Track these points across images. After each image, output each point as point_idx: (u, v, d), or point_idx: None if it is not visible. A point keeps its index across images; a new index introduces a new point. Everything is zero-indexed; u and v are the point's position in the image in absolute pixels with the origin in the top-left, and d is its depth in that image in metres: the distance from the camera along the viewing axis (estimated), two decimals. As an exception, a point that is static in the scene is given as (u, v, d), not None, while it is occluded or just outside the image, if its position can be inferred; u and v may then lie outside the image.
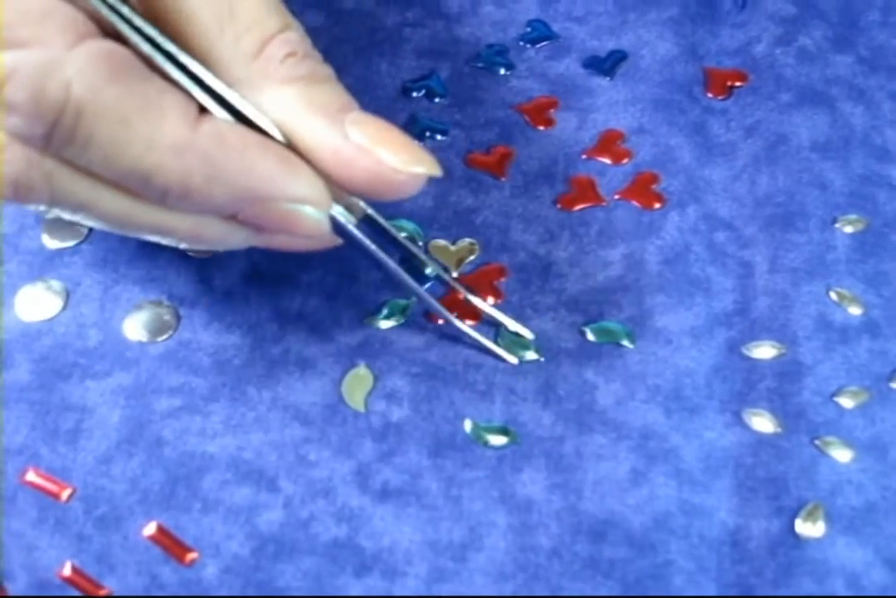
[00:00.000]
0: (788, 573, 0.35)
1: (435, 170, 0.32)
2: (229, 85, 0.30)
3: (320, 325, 0.40)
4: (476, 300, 0.40)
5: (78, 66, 0.28)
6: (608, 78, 0.46)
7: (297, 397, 0.39)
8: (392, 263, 0.36)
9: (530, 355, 0.39)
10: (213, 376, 0.39)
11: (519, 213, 0.42)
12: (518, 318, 0.40)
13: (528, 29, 0.47)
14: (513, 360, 0.39)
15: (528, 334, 0.39)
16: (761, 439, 0.37)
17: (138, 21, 0.30)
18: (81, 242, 0.42)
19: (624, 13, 0.48)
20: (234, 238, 0.33)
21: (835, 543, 0.35)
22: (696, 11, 0.48)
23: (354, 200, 0.34)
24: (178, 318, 0.40)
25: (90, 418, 0.38)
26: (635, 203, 0.43)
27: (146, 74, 0.29)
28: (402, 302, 0.40)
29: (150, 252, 0.41)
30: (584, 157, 0.44)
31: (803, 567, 0.35)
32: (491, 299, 0.40)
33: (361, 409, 0.38)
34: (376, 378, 0.39)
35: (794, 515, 0.36)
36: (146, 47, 0.30)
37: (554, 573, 0.35)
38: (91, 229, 0.42)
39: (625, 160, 0.44)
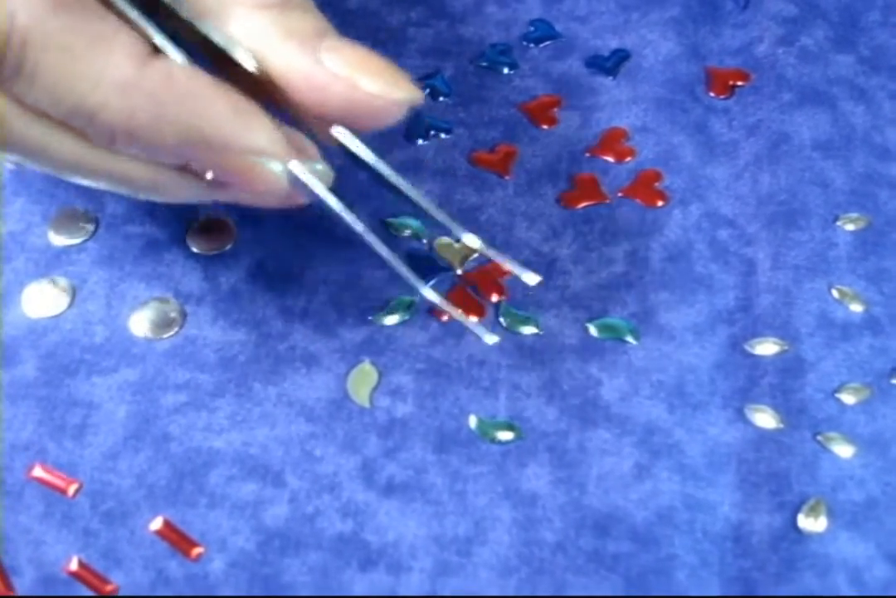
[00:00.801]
0: (791, 568, 0.35)
1: (415, 95, 0.31)
2: (200, 13, 0.29)
3: (325, 321, 0.40)
4: (474, 241, 0.34)
5: None
6: (611, 77, 0.46)
7: (302, 392, 0.39)
8: (361, 227, 0.33)
9: (529, 330, 0.40)
10: (218, 373, 0.39)
11: (523, 210, 0.43)
12: (522, 314, 0.40)
13: (532, 28, 0.48)
14: (488, 339, 0.35)
15: (531, 280, 0.35)
16: (764, 435, 0.38)
17: None
18: (88, 240, 0.42)
19: (626, 13, 0.48)
20: (188, 191, 0.32)
21: (837, 538, 0.36)
22: (699, 11, 0.48)
23: (322, 166, 0.32)
24: (184, 314, 0.40)
25: (97, 413, 0.38)
26: (638, 201, 0.43)
27: (99, 11, 0.28)
28: (407, 299, 0.40)
29: (156, 249, 0.42)
30: (587, 155, 0.44)
31: (805, 562, 0.35)
32: (495, 297, 0.41)
33: (366, 405, 0.38)
34: (381, 374, 0.39)
35: (797, 510, 0.36)
36: None
37: (558, 568, 0.36)
38: (97, 227, 0.42)
39: (628, 158, 0.44)
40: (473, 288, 0.41)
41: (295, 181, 0.31)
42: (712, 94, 0.46)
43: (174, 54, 0.29)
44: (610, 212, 0.43)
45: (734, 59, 0.47)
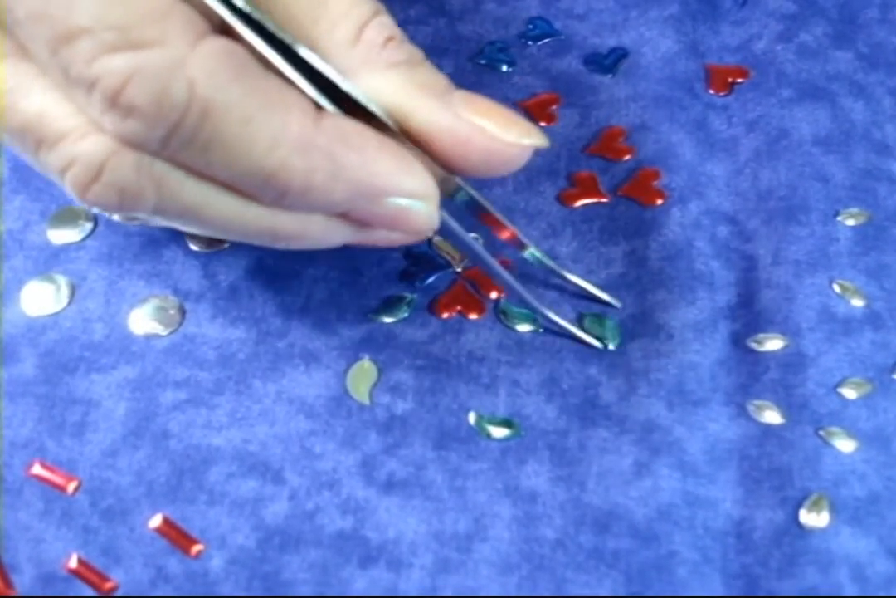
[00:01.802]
0: (793, 564, 0.35)
1: (543, 141, 0.32)
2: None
3: (325, 319, 0.40)
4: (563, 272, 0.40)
5: (201, 65, 0.27)
6: (610, 75, 0.46)
7: (302, 390, 0.39)
8: (482, 250, 0.36)
9: (528, 327, 0.40)
10: (218, 370, 0.39)
11: (521, 208, 0.43)
12: (521, 313, 0.40)
13: (530, 26, 0.48)
14: (597, 343, 0.40)
15: (616, 303, 0.40)
16: (765, 431, 0.38)
17: (257, 15, 0.29)
18: (86, 238, 0.42)
19: (625, 11, 0.48)
20: (336, 236, 0.33)
21: (839, 533, 0.36)
22: (697, 9, 0.48)
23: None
24: (183, 312, 0.40)
25: (96, 411, 0.38)
26: (637, 200, 0.43)
27: (264, 72, 0.28)
28: (407, 296, 0.40)
29: (155, 247, 0.42)
30: (585, 153, 0.44)
31: (808, 557, 0.35)
32: (494, 294, 0.40)
33: (366, 402, 0.38)
34: (381, 371, 0.39)
35: (799, 505, 0.36)
36: (261, 43, 0.29)
37: (558, 564, 0.36)
38: (96, 224, 0.42)
39: (626, 157, 0.44)
40: (473, 285, 0.41)
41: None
42: (711, 92, 0.46)
43: (333, 110, 0.30)
44: (609, 211, 0.43)
45: (733, 56, 0.47)
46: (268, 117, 0.28)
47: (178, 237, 0.42)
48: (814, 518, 0.36)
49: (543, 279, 0.41)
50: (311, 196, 0.29)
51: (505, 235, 0.38)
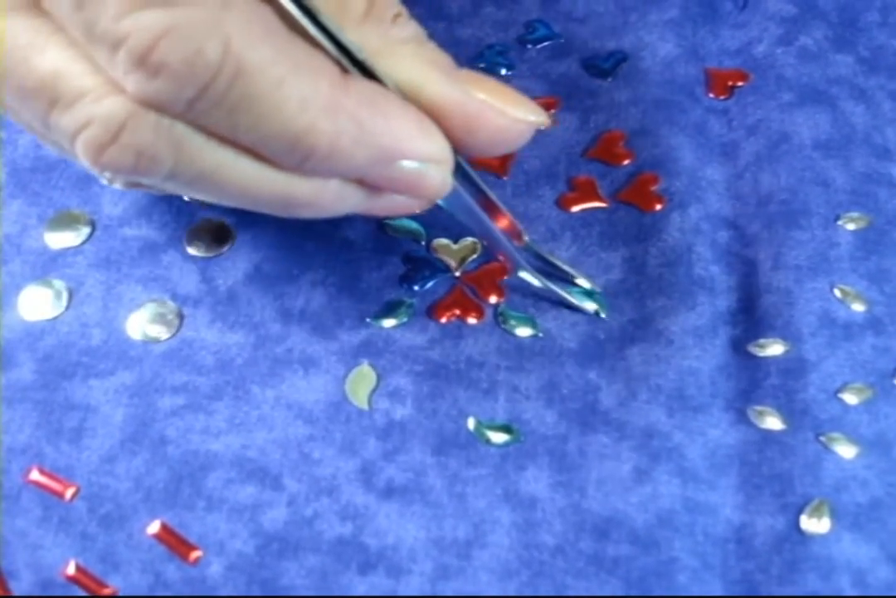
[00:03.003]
0: (794, 570, 0.35)
1: (547, 119, 0.32)
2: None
3: (323, 324, 0.40)
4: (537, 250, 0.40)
5: (236, 25, 0.26)
6: (609, 79, 0.46)
7: (300, 395, 0.39)
8: (488, 220, 0.36)
9: (527, 332, 0.40)
10: (216, 375, 0.39)
11: (521, 212, 0.42)
12: (521, 316, 0.40)
13: (529, 29, 0.47)
14: (591, 308, 0.40)
15: (590, 285, 0.41)
16: (766, 436, 0.37)
17: None
18: (84, 242, 0.42)
19: (625, 14, 0.48)
20: (348, 203, 0.32)
21: (840, 539, 0.35)
22: (697, 12, 0.48)
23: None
24: (181, 317, 0.40)
25: (94, 416, 0.38)
26: (636, 205, 0.42)
27: (293, 35, 0.28)
28: (406, 300, 0.40)
29: (153, 252, 0.41)
30: (584, 157, 0.44)
31: (809, 564, 0.35)
32: (494, 298, 0.40)
33: (365, 407, 0.38)
34: (380, 376, 0.39)
35: (800, 511, 0.36)
36: (290, 4, 0.28)
37: (558, 571, 0.35)
38: (94, 229, 0.42)
39: (626, 161, 0.44)
40: (472, 289, 0.41)
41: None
42: (711, 95, 0.46)
43: (355, 73, 0.29)
44: (608, 216, 0.43)
45: (733, 60, 0.47)
46: (298, 79, 0.27)
47: (176, 242, 0.42)
48: (815, 524, 0.36)
49: (540, 289, 0.41)
50: (335, 159, 0.29)
51: (503, 223, 0.38)
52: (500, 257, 0.40)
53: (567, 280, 0.41)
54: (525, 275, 0.40)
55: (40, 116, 0.29)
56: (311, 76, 0.27)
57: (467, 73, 0.31)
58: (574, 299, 0.40)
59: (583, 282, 0.41)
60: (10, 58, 0.28)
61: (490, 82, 0.31)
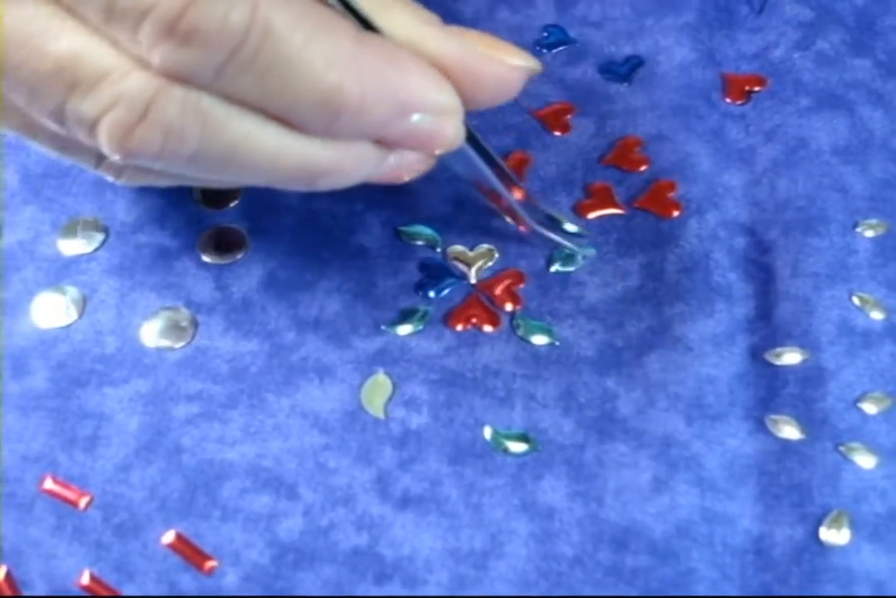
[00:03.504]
0: (813, 581, 0.35)
1: (538, 63, 0.33)
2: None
3: (339, 332, 0.40)
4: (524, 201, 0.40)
5: None
6: (625, 84, 0.46)
7: (315, 404, 0.38)
8: (493, 177, 0.36)
9: (543, 340, 0.40)
10: (231, 383, 0.39)
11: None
12: (537, 324, 0.40)
13: (545, 34, 0.47)
14: (591, 252, 0.41)
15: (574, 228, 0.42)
16: (785, 446, 0.37)
17: None
18: (98, 249, 0.42)
19: (641, 19, 0.47)
20: (368, 166, 0.32)
21: (860, 550, 0.35)
22: (714, 17, 0.47)
23: None
24: (196, 325, 0.40)
25: (108, 425, 0.38)
26: (653, 212, 0.42)
27: None
28: (421, 308, 0.40)
29: (167, 259, 0.41)
30: (601, 164, 0.44)
31: (828, 575, 0.35)
32: (510, 306, 0.40)
33: (381, 416, 0.38)
34: (395, 385, 0.39)
35: (819, 522, 0.36)
36: None
37: (576, 581, 0.35)
38: (107, 235, 0.42)
39: (642, 167, 0.43)
40: (488, 297, 0.40)
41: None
42: (728, 100, 0.45)
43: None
44: (625, 222, 0.42)
45: (750, 65, 0.46)
46: (322, 37, 0.27)
47: (190, 249, 0.41)
48: (834, 535, 0.35)
49: (557, 296, 0.41)
50: (362, 116, 0.28)
51: (517, 194, 0.39)
52: (502, 210, 0.41)
53: (558, 227, 0.41)
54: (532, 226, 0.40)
55: (54, 106, 0.28)
56: (333, 34, 0.27)
57: (456, 28, 0.31)
58: (573, 246, 0.41)
59: (571, 227, 0.41)
60: (21, 47, 0.27)
61: (479, 34, 0.32)
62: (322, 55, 0.27)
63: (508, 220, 0.41)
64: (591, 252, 0.41)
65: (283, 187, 0.32)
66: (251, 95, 0.27)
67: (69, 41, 0.26)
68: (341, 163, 0.31)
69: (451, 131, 0.31)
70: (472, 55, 0.31)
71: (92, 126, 0.27)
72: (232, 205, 0.42)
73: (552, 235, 0.40)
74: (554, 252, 0.41)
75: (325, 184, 0.31)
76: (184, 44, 0.25)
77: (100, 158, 0.31)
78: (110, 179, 0.31)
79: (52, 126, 0.29)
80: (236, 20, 0.25)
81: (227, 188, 0.42)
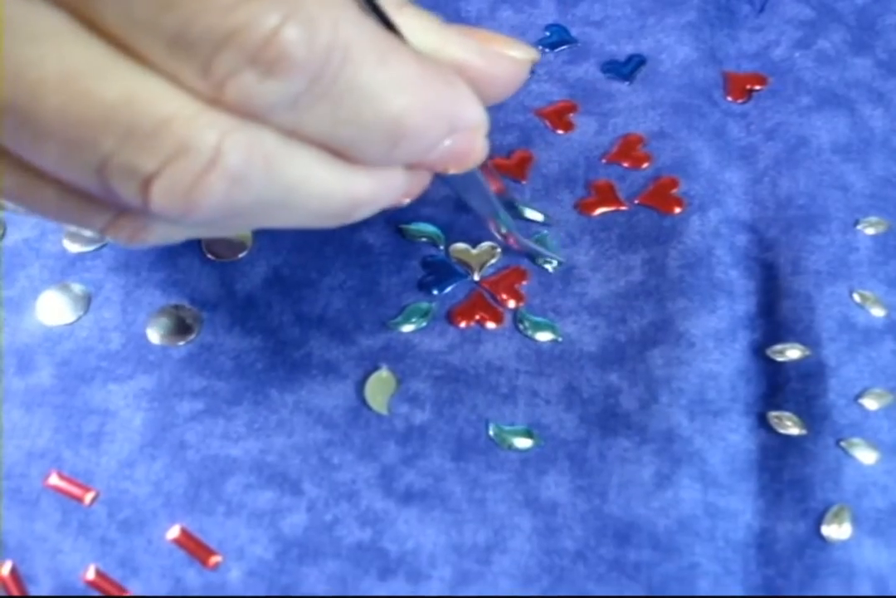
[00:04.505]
0: (815, 576, 0.35)
1: (536, 53, 0.32)
2: None
3: (342, 328, 0.40)
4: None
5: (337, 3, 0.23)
6: (627, 82, 0.46)
7: (319, 400, 0.39)
8: (498, 202, 0.37)
9: (547, 337, 0.40)
10: (235, 380, 0.39)
11: (540, 216, 0.42)
12: (540, 321, 0.40)
13: (547, 33, 0.47)
14: (559, 258, 0.41)
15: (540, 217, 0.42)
16: (786, 442, 0.37)
17: None
18: (103, 246, 0.42)
19: (642, 18, 0.48)
20: (400, 190, 0.29)
21: (861, 545, 0.35)
22: (715, 16, 0.48)
23: None
24: (200, 321, 0.40)
25: (113, 421, 0.38)
26: (656, 208, 0.42)
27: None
28: (424, 305, 0.40)
29: (172, 256, 0.41)
30: (603, 161, 0.44)
31: (830, 569, 0.35)
32: (513, 302, 0.40)
33: (384, 412, 0.38)
34: (399, 381, 0.39)
35: (820, 517, 0.36)
36: None
37: (579, 576, 0.35)
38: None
39: (645, 165, 0.44)
40: (491, 294, 0.40)
41: None
42: (730, 99, 0.46)
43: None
44: (627, 219, 0.42)
45: (751, 63, 0.47)
46: (391, 60, 0.25)
47: (194, 246, 0.42)
48: (835, 530, 0.35)
49: (560, 293, 0.41)
50: (420, 142, 0.27)
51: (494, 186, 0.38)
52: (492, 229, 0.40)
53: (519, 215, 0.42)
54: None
55: (98, 160, 0.23)
56: (400, 55, 0.25)
57: (465, 28, 0.31)
58: (539, 249, 0.41)
59: (534, 214, 0.42)
60: (60, 91, 0.22)
61: (483, 32, 0.31)
62: (393, 79, 0.25)
63: (496, 234, 0.41)
64: (560, 260, 0.41)
65: (314, 227, 0.29)
66: (319, 128, 0.25)
67: (121, 82, 0.22)
68: (379, 192, 0.28)
69: (480, 146, 0.30)
70: (490, 56, 0.30)
71: (147, 181, 0.23)
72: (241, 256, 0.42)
73: (538, 248, 0.40)
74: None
75: (358, 216, 0.29)
76: (270, 73, 0.22)
77: (113, 220, 0.26)
78: (122, 242, 0.27)
79: (81, 184, 0.24)
80: (321, 42, 0.22)
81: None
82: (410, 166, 0.29)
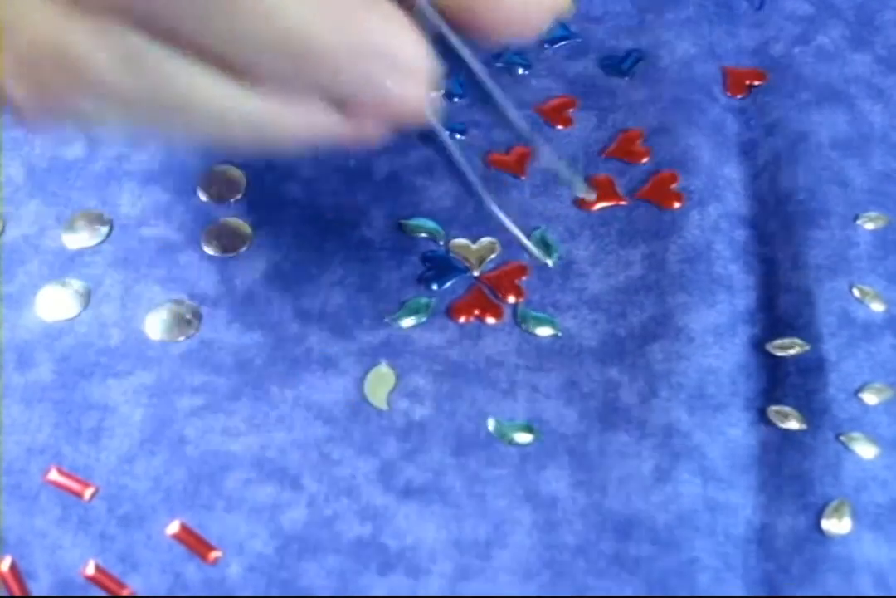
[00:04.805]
0: (814, 570, 0.35)
1: None
2: None
3: (342, 324, 0.40)
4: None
5: None
6: (626, 78, 0.46)
7: (319, 395, 0.39)
8: (463, 160, 0.35)
9: (547, 332, 0.40)
10: (235, 375, 0.39)
11: (539, 212, 0.42)
12: (540, 316, 0.40)
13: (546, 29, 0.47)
14: (547, 261, 0.41)
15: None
16: (786, 436, 0.37)
17: None
18: (102, 242, 0.42)
19: (642, 13, 0.48)
20: (325, 124, 0.28)
21: (861, 539, 0.35)
22: (714, 11, 0.48)
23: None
24: (200, 317, 0.40)
25: (112, 416, 0.38)
26: (655, 203, 0.42)
27: None
28: (424, 300, 0.40)
29: (171, 251, 0.41)
30: (603, 156, 0.44)
31: (829, 564, 0.35)
32: (512, 298, 0.40)
33: (384, 407, 0.38)
34: (398, 376, 0.39)
35: (820, 512, 0.36)
36: None
37: (579, 571, 0.35)
38: (111, 230, 0.42)
39: (644, 160, 0.44)
40: (491, 289, 0.40)
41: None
42: (729, 94, 0.46)
43: None
44: (627, 214, 0.42)
45: (750, 59, 0.47)
46: None
47: (194, 242, 0.42)
48: (835, 525, 0.35)
49: (559, 288, 0.41)
50: (328, 62, 0.26)
51: None
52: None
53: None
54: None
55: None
56: None
57: None
58: (527, 243, 0.38)
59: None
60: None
61: None
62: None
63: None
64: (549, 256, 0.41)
65: (232, 146, 0.29)
66: (214, 42, 0.25)
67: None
68: (287, 120, 0.28)
69: (415, 93, 0.27)
70: None
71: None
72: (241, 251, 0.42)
73: (517, 231, 0.38)
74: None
75: (276, 142, 0.29)
76: None
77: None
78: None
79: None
80: None
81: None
82: (349, 107, 0.28)
